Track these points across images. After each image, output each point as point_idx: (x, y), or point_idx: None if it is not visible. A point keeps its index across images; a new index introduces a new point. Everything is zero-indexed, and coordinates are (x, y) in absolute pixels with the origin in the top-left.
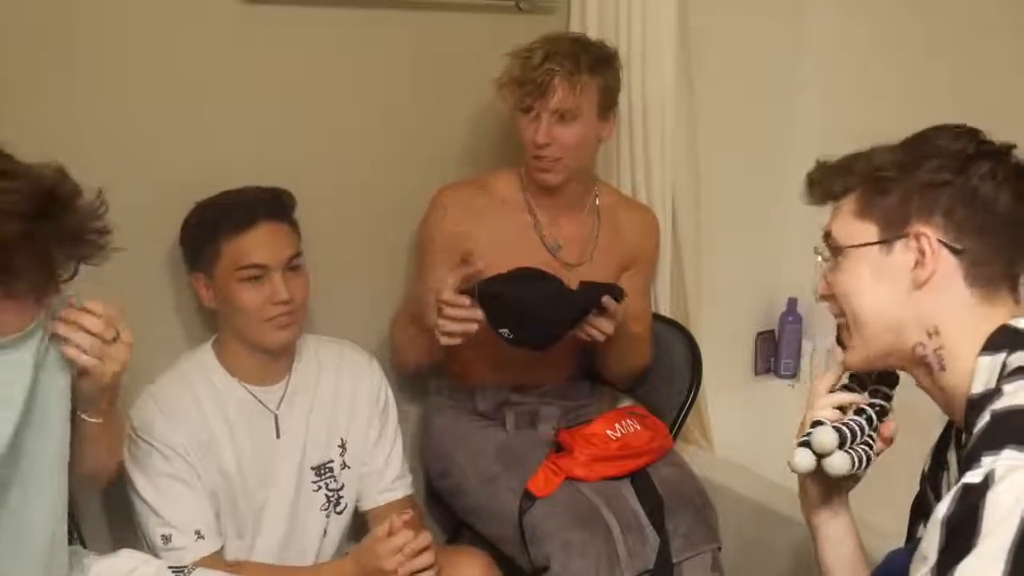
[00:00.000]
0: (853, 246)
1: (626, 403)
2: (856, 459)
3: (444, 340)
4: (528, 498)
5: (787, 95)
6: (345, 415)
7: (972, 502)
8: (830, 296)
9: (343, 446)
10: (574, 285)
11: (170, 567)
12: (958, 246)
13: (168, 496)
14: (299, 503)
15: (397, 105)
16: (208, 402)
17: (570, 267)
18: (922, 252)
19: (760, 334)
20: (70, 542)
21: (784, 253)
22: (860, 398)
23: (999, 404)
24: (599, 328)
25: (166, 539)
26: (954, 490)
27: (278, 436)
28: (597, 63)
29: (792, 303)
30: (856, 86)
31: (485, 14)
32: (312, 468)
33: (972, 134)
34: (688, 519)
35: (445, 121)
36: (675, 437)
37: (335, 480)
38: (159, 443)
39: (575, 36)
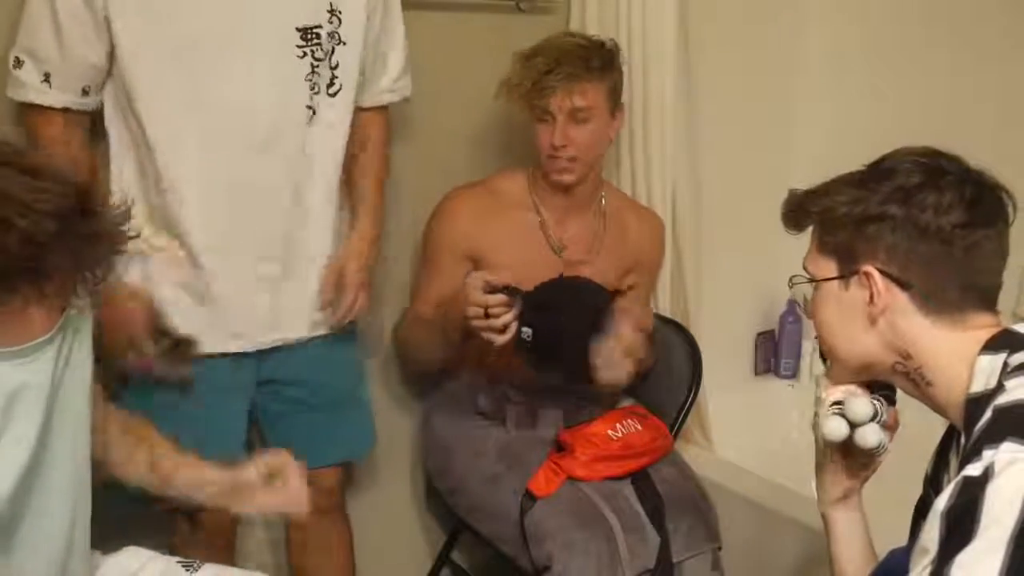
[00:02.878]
0: (818, 280)
1: (626, 403)
2: (882, 438)
3: (497, 340)
4: (529, 498)
5: (787, 95)
6: None
7: (972, 494)
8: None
9: (334, 12)
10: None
11: (178, 561)
12: (906, 281)
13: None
14: (277, 67)
15: (396, 105)
16: None
17: (573, 265)
18: (871, 289)
19: (760, 334)
20: None
21: (784, 253)
22: (867, 393)
23: (1001, 400)
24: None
25: (17, 62)
26: (954, 483)
27: None
28: (604, 65)
29: (792, 303)
30: (856, 86)
31: (485, 14)
32: (297, 29)
33: (927, 162)
34: (688, 519)
35: (446, 122)
36: (675, 437)
37: (322, 49)
38: None
39: (579, 38)
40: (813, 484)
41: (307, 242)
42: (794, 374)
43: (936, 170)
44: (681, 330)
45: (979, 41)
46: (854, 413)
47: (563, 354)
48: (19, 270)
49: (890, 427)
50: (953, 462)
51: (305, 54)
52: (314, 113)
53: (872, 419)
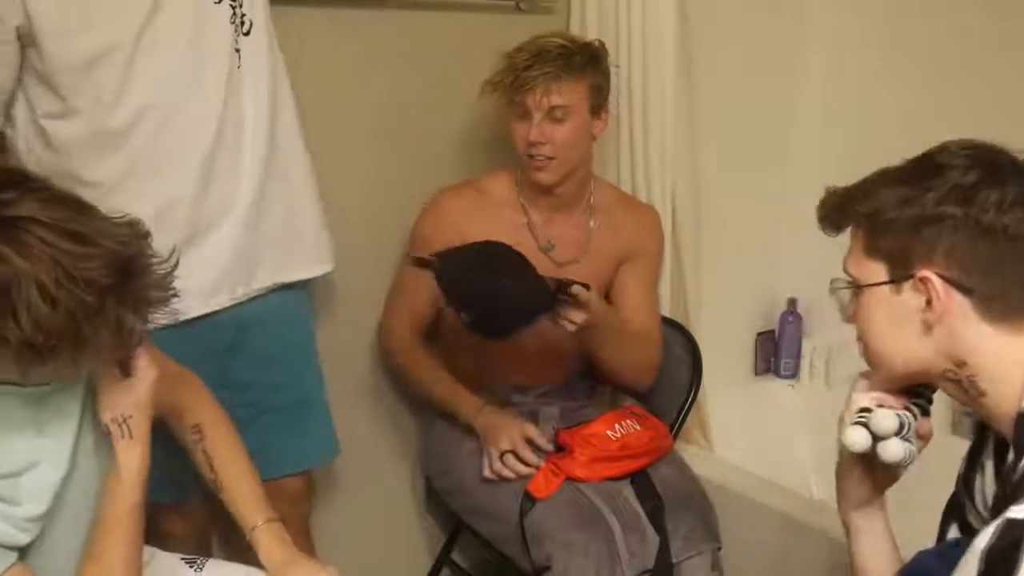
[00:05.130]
0: (866, 285)
1: (626, 403)
2: (908, 451)
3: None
4: (528, 499)
5: (787, 94)
6: None
7: (1014, 538)
8: (854, 322)
9: None
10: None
11: (182, 558)
12: (966, 285)
13: None
14: (206, 23)
15: (397, 105)
16: None
17: (562, 265)
18: (929, 295)
19: (760, 334)
20: None
21: (784, 253)
22: (903, 399)
23: None
24: (568, 318)
25: None
26: (997, 522)
27: None
28: (586, 62)
29: (792, 303)
30: (856, 85)
31: (485, 14)
32: None
33: (979, 156)
34: (688, 519)
35: (445, 121)
36: (675, 437)
37: None
38: None
39: (563, 36)
40: (832, 489)
41: (241, 187)
42: (794, 374)
43: (991, 164)
44: (681, 330)
45: (982, 36)
46: (878, 426)
47: (506, 321)
48: (57, 338)
49: (922, 436)
50: (988, 465)
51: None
52: (240, 56)
53: (897, 433)
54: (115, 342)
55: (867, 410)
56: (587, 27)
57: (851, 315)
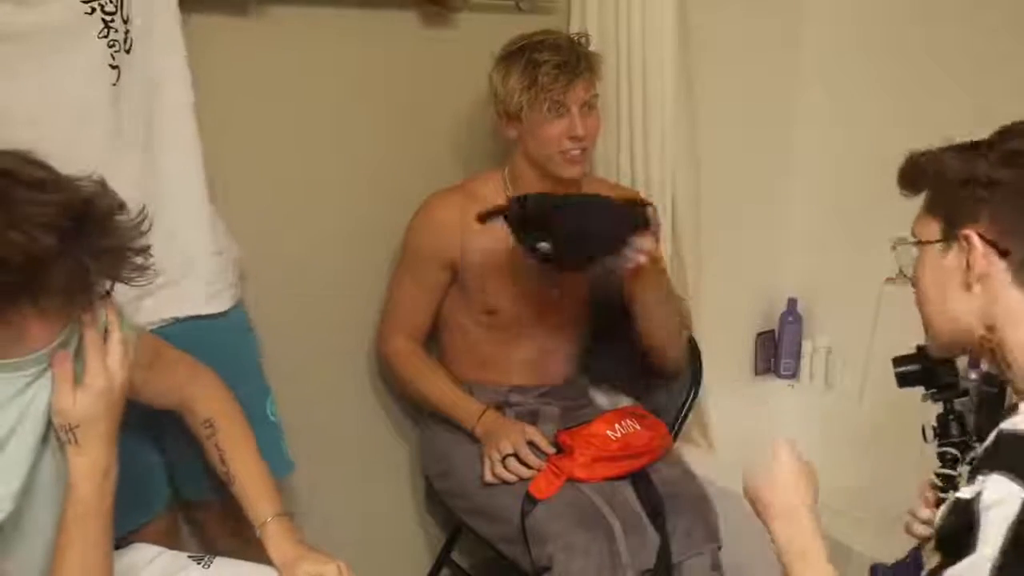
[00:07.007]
0: (921, 242)
1: (626, 403)
2: None
3: (491, 477)
4: (530, 501)
5: (787, 94)
6: None
7: (960, 517)
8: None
9: None
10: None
11: (190, 556)
12: (1005, 247)
13: None
14: (67, 33)
15: (396, 105)
16: None
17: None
18: (969, 254)
19: (760, 334)
20: None
21: (784, 253)
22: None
23: (1009, 423)
24: (641, 248)
25: None
26: (949, 501)
27: None
28: (592, 55)
29: (792, 303)
30: (856, 85)
31: (485, 14)
32: None
33: None
34: (688, 519)
35: (445, 121)
36: (675, 437)
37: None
38: None
39: (565, 35)
40: None
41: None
42: (794, 374)
43: None
44: None
45: (982, 34)
46: None
47: (593, 245)
48: (17, 285)
49: None
50: None
51: (94, 9)
52: (120, 74)
53: None
54: (78, 289)
55: None
56: (587, 26)
57: (912, 275)
